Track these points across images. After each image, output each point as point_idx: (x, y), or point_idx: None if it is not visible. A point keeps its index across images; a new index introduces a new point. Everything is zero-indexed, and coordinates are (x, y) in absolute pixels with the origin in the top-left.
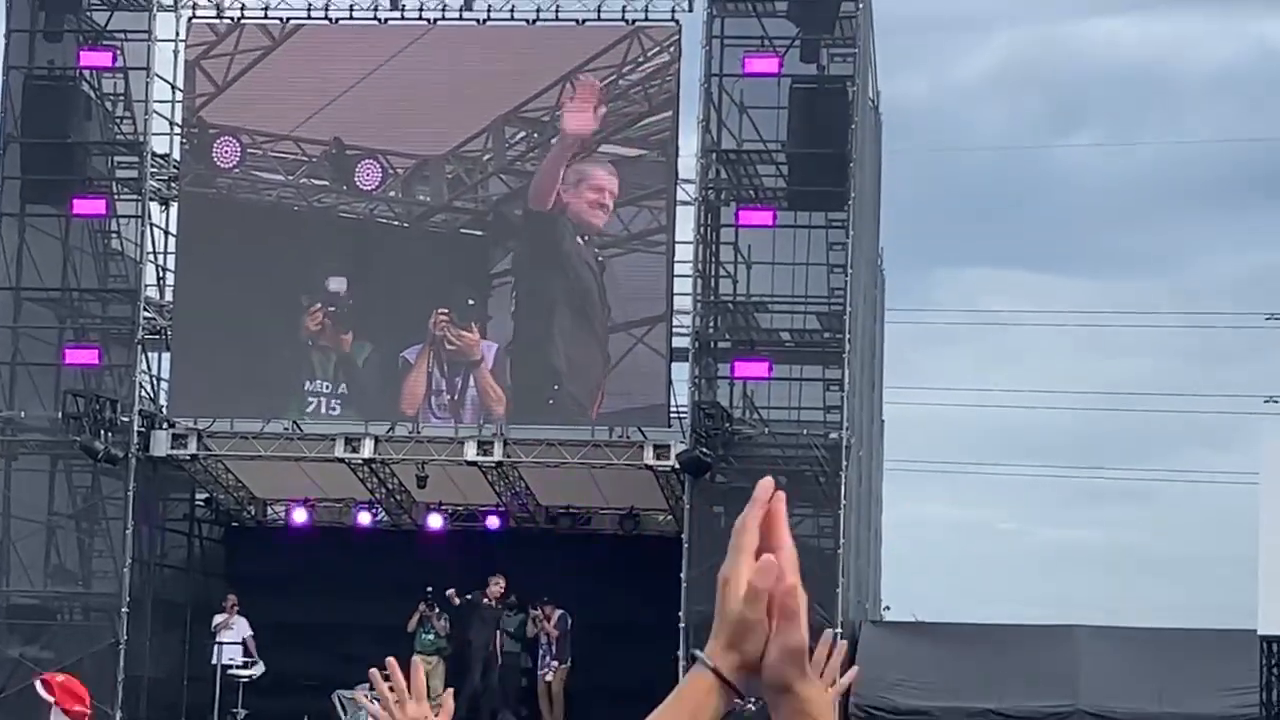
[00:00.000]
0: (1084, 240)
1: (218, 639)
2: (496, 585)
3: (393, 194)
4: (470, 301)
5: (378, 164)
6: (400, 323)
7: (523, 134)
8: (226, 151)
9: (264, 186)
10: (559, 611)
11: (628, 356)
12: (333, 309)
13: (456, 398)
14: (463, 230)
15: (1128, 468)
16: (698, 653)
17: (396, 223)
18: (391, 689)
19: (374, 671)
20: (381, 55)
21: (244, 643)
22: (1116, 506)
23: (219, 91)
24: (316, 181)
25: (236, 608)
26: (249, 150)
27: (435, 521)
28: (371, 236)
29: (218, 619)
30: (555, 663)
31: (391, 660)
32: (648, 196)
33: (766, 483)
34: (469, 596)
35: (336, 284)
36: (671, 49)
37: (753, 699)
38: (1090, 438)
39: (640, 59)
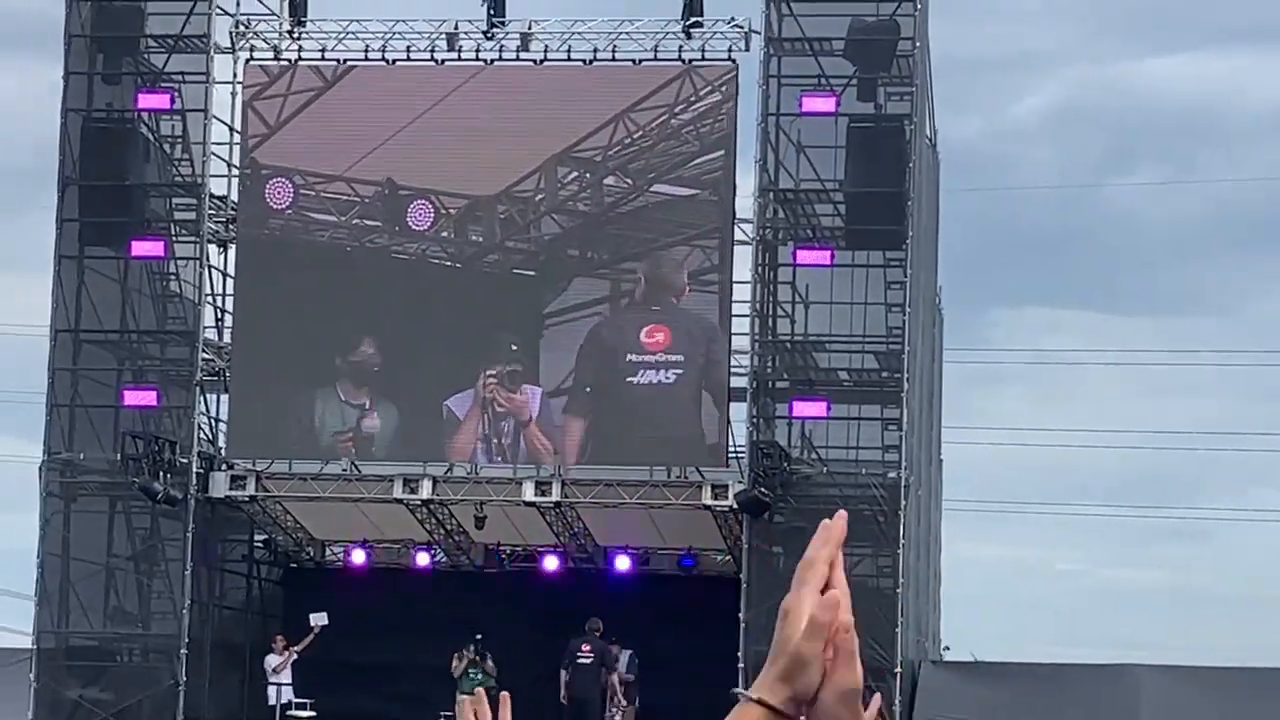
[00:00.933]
0: (1141, 279)
1: (271, 679)
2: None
3: (445, 234)
4: (514, 346)
5: (430, 204)
6: (449, 367)
7: (575, 174)
8: (279, 192)
9: (316, 227)
10: (628, 652)
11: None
12: (375, 368)
13: (506, 443)
14: (515, 270)
15: (1188, 507)
16: (739, 692)
17: (449, 263)
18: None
19: (465, 702)
20: (434, 95)
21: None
22: (1177, 546)
23: (272, 132)
24: (369, 222)
25: (289, 648)
26: (301, 191)
27: (488, 560)
28: (425, 277)
29: (273, 660)
30: (625, 702)
31: (480, 690)
32: (700, 236)
33: (841, 519)
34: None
35: (366, 347)
36: (726, 89)
37: None
38: (1149, 477)
39: (692, 98)
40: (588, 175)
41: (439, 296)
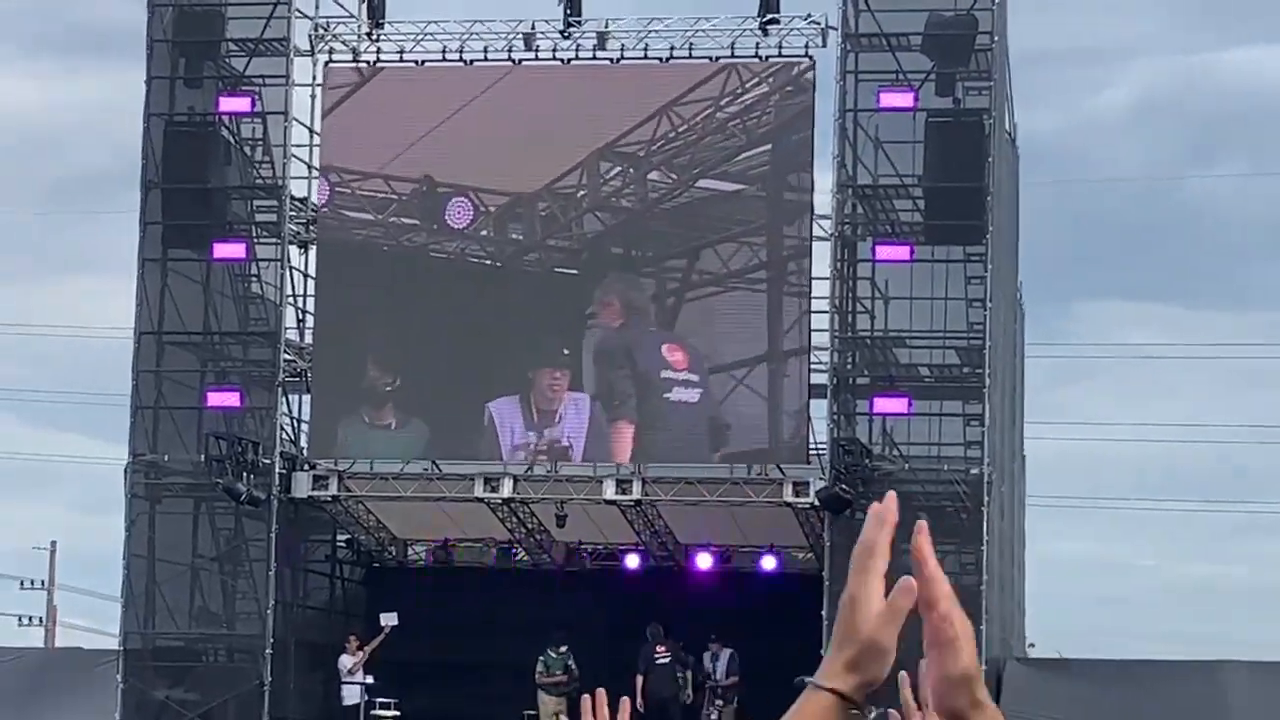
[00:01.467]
0: (1225, 272)
1: (346, 680)
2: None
3: (484, 233)
4: (565, 351)
5: (469, 201)
6: (493, 367)
7: (618, 169)
8: (319, 192)
9: (353, 226)
10: (728, 651)
11: (728, 399)
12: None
13: (554, 445)
14: (556, 269)
15: (1271, 501)
16: (807, 679)
17: (488, 261)
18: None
19: (585, 700)
20: (472, 91)
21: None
22: (1263, 541)
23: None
24: (406, 220)
25: (362, 648)
26: (337, 189)
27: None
28: (465, 276)
29: (347, 660)
30: (721, 703)
31: (601, 691)
32: (747, 233)
33: (891, 500)
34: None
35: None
36: (775, 80)
37: (872, 709)
38: (1232, 471)
39: (739, 90)
40: (631, 170)
41: (479, 296)
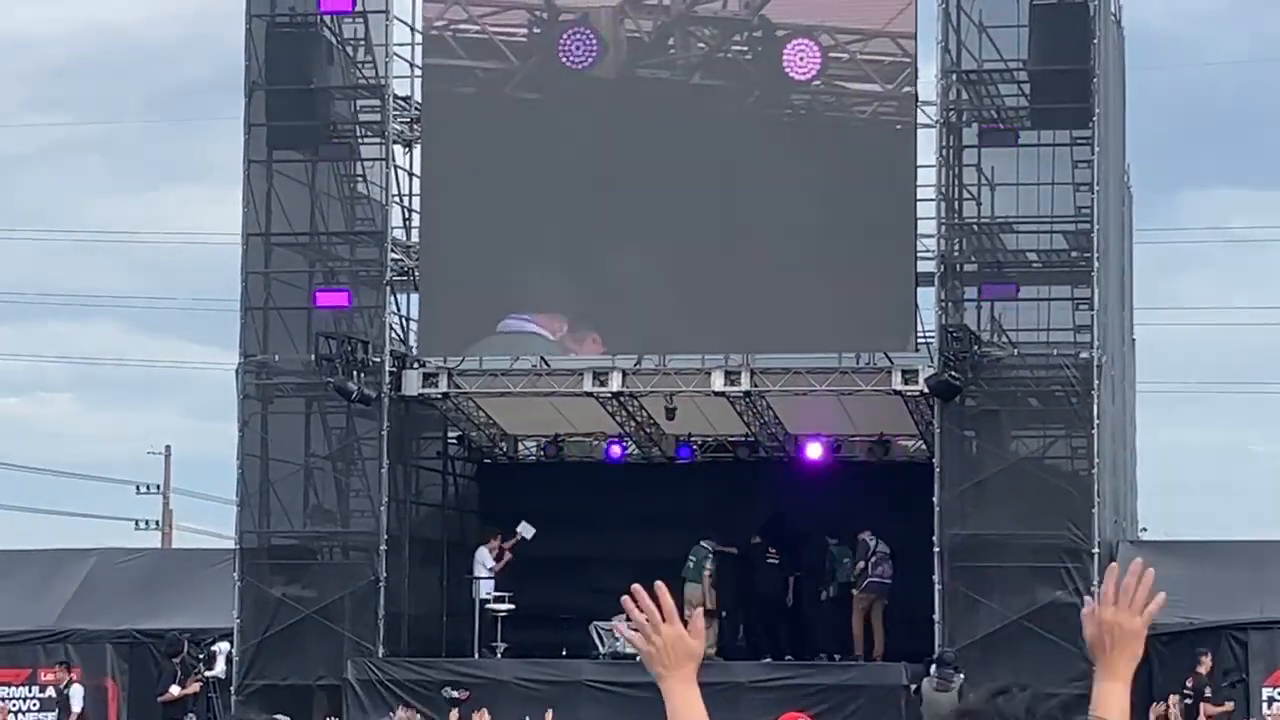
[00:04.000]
0: None
1: (481, 575)
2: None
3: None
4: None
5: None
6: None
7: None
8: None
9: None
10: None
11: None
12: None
13: None
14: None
15: None
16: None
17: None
18: (644, 613)
19: (625, 599)
20: None
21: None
22: None
23: None
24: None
25: (504, 548)
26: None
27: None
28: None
29: (488, 558)
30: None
31: (637, 586)
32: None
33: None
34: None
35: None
36: None
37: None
38: None
39: None
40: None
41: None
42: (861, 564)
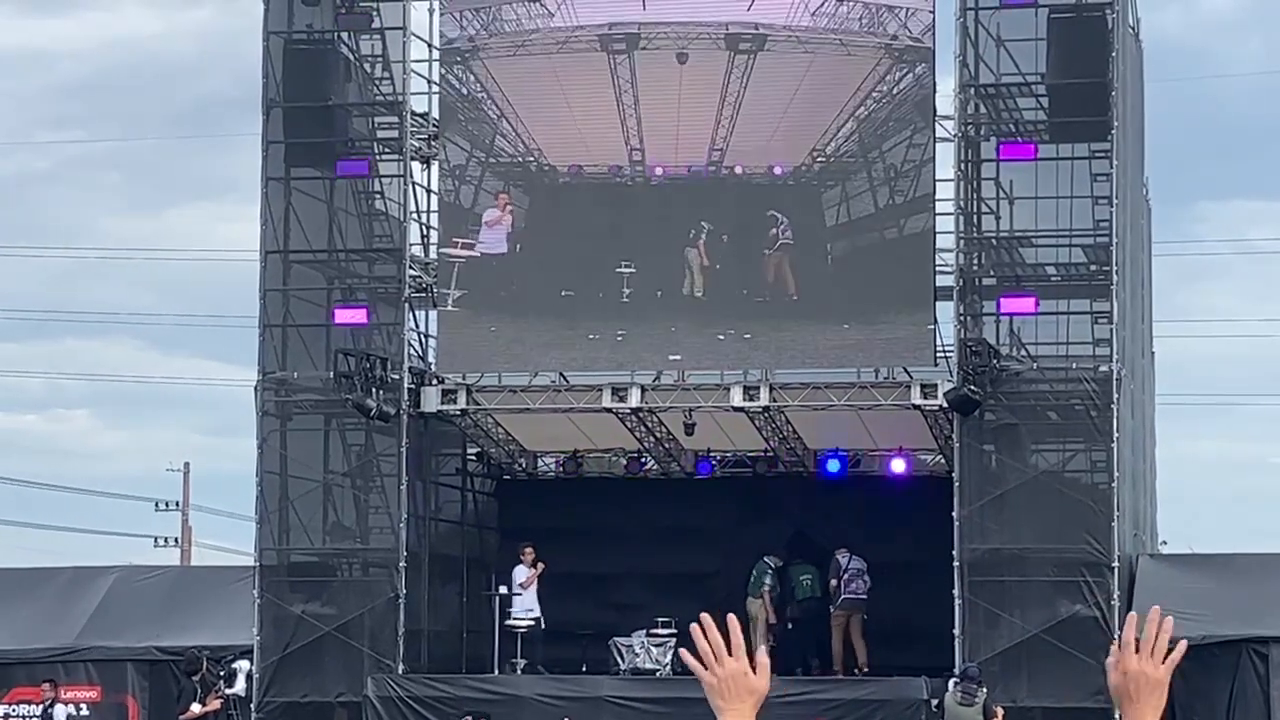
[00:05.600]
0: None
1: (516, 591)
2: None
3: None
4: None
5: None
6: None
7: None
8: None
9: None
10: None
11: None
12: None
13: None
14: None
15: None
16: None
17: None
18: (710, 644)
19: (694, 627)
20: None
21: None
22: None
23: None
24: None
25: (538, 562)
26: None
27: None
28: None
29: (523, 574)
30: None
31: (706, 616)
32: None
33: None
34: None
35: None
36: None
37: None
38: None
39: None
40: None
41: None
42: (834, 581)
